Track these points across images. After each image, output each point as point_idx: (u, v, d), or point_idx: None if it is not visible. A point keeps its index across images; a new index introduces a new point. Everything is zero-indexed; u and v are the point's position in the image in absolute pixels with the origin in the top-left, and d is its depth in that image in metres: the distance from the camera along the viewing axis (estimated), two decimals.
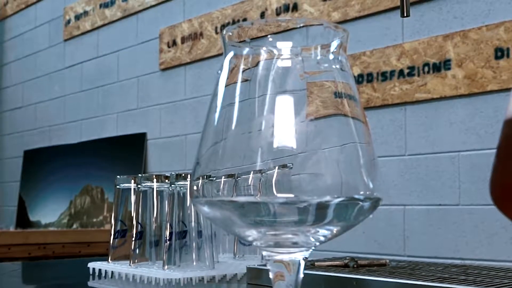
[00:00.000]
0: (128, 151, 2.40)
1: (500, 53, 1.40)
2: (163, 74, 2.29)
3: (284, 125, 0.35)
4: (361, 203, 0.35)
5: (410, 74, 1.54)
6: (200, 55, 2.13)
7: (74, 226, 2.59)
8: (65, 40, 2.81)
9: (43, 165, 2.85)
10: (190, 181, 0.39)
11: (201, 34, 2.13)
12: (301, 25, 0.35)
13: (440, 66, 1.49)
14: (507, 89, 1.39)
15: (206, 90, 2.10)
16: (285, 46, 0.35)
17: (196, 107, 2.15)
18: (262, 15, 1.93)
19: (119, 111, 2.48)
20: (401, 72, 1.56)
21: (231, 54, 0.37)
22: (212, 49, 2.09)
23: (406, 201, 1.54)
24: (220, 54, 2.13)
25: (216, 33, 2.08)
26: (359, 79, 1.63)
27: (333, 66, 0.36)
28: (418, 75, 1.52)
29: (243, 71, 0.36)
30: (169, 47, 2.25)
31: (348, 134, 0.36)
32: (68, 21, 2.77)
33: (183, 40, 2.19)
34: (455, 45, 1.47)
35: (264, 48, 0.36)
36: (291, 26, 0.35)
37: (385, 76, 1.59)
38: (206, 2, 2.14)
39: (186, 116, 2.18)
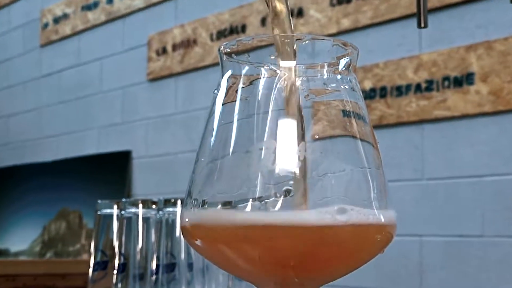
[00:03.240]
0: (110, 171, 2.40)
1: None
2: (151, 85, 2.30)
3: (286, 147, 0.36)
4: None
5: (428, 89, 1.55)
6: (193, 65, 2.14)
7: (48, 255, 2.58)
8: (42, 46, 2.82)
9: (14, 185, 2.85)
10: (181, 210, 0.39)
11: (194, 41, 2.15)
12: (307, 41, 0.36)
13: (462, 81, 1.50)
14: None
15: (199, 104, 2.11)
16: (288, 65, 0.36)
17: (188, 123, 2.15)
18: (263, 21, 1.95)
19: (101, 126, 2.49)
20: (418, 87, 1.57)
21: (229, 72, 0.38)
22: (207, 58, 2.10)
23: (422, 231, 1.54)
24: (216, 64, 2.13)
25: (212, 40, 2.09)
26: (371, 94, 1.64)
27: (342, 86, 0.37)
28: (437, 90, 1.53)
29: (242, 91, 0.37)
30: (158, 55, 2.26)
31: (356, 159, 0.37)
32: (46, 25, 2.79)
33: (174, 47, 2.21)
34: (478, 57, 1.48)
35: (266, 67, 0.36)
36: (296, 41, 0.36)
37: (400, 91, 1.60)
38: (201, 6, 2.15)
39: (177, 133, 2.19)
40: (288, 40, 0.37)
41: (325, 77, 0.37)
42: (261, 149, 0.36)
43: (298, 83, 0.37)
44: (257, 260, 0.35)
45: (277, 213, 0.35)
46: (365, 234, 0.35)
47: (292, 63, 0.36)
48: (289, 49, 0.37)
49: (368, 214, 0.36)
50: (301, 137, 0.36)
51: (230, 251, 0.36)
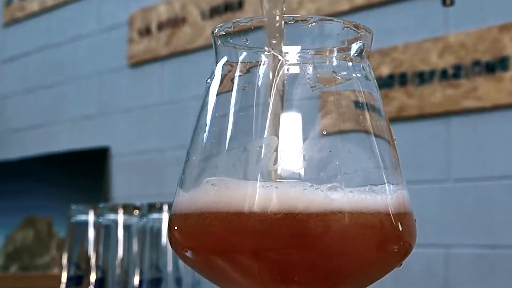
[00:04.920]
0: (85, 171, 2.40)
1: None
2: (132, 71, 2.30)
3: (290, 144, 0.36)
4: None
5: (455, 76, 1.55)
6: (182, 47, 2.14)
7: (12, 268, 2.58)
8: (5, 25, 2.82)
9: None
10: (169, 216, 0.40)
11: (183, 19, 2.15)
12: (313, 23, 0.36)
13: (495, 66, 1.50)
14: None
15: (189, 92, 2.11)
16: (292, 50, 0.37)
17: (176, 114, 2.15)
18: None
19: (75, 118, 2.49)
20: (443, 73, 1.57)
21: (224, 59, 0.38)
22: (198, 39, 2.10)
23: (449, 241, 1.55)
24: (209, 46, 2.11)
25: (203, 18, 2.10)
26: (388, 81, 1.64)
27: (354, 75, 0.38)
28: (466, 77, 1.54)
29: (239, 80, 0.37)
30: (141, 36, 2.26)
31: (370, 158, 0.38)
32: (10, 0, 2.79)
33: (160, 27, 2.21)
34: None
35: (266, 53, 0.37)
36: (301, 23, 0.37)
37: (422, 78, 1.60)
38: None
39: (163, 126, 2.19)
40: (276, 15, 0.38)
41: (334, 64, 0.38)
42: (261, 146, 0.36)
43: (305, 70, 0.38)
44: (256, 273, 0.36)
45: (278, 218, 0.36)
46: (376, 234, 0.36)
47: (296, 48, 0.37)
48: (276, 27, 0.37)
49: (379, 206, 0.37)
50: (309, 129, 0.37)
51: (225, 263, 0.37)
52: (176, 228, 0.38)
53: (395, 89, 1.64)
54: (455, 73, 1.55)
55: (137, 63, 2.28)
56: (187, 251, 0.38)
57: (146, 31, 2.25)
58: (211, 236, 0.37)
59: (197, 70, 2.09)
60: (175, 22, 2.17)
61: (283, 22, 0.37)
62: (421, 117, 1.61)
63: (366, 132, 0.38)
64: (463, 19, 1.57)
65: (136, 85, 2.29)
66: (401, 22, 1.66)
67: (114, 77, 2.36)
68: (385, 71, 1.65)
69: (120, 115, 2.33)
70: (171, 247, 0.40)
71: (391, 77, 1.64)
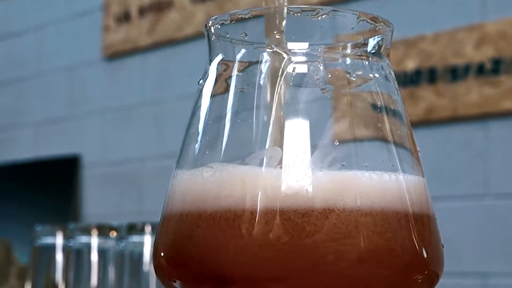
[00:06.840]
0: (51, 184, 2.40)
1: None
2: (108, 64, 2.30)
3: (296, 156, 0.37)
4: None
5: (494, 71, 1.56)
6: (168, 36, 2.15)
7: None
8: None
9: None
10: (153, 239, 0.41)
11: (169, 3, 2.15)
12: (323, 15, 0.37)
13: None
14: None
15: (175, 90, 2.12)
16: (299, 47, 0.37)
17: (160, 116, 2.16)
18: None
19: (39, 121, 2.49)
20: (480, 68, 1.57)
21: (219, 57, 0.39)
22: (186, 26, 2.11)
23: (487, 268, 1.55)
24: (199, 35, 2.10)
25: (193, 2, 2.10)
26: (415, 78, 1.64)
27: (370, 75, 0.39)
28: (507, 73, 1.54)
29: (237, 81, 0.38)
30: (118, 22, 2.26)
31: (388, 171, 0.38)
32: None
33: (142, 12, 2.21)
34: None
35: (268, 49, 0.38)
36: (309, 15, 0.37)
37: (455, 74, 1.60)
38: None
39: (145, 130, 2.19)
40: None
41: (348, 62, 0.38)
42: (262, 159, 0.37)
43: (314, 70, 0.38)
44: None
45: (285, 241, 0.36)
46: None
47: (303, 44, 0.38)
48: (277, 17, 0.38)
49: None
50: (319, 137, 0.37)
51: None
52: (162, 254, 0.39)
53: (422, 87, 1.64)
54: (494, 68, 1.56)
55: (114, 55, 2.28)
56: (175, 281, 0.38)
57: (124, 17, 2.25)
58: (206, 266, 0.37)
59: (185, 63, 2.09)
60: (160, 6, 2.17)
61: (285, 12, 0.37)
62: (454, 120, 1.61)
63: (385, 141, 0.39)
64: (504, 3, 1.57)
65: (113, 82, 2.29)
66: (430, 7, 1.67)
67: (86, 72, 2.36)
68: (410, 65, 1.65)
69: (94, 118, 2.33)
70: (157, 276, 0.41)
71: (418, 72, 1.65)
